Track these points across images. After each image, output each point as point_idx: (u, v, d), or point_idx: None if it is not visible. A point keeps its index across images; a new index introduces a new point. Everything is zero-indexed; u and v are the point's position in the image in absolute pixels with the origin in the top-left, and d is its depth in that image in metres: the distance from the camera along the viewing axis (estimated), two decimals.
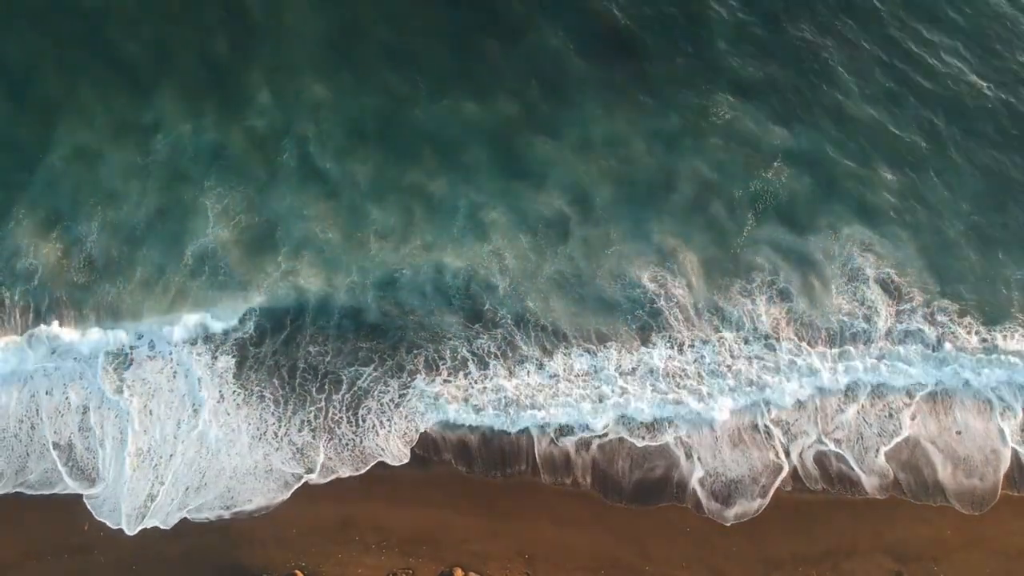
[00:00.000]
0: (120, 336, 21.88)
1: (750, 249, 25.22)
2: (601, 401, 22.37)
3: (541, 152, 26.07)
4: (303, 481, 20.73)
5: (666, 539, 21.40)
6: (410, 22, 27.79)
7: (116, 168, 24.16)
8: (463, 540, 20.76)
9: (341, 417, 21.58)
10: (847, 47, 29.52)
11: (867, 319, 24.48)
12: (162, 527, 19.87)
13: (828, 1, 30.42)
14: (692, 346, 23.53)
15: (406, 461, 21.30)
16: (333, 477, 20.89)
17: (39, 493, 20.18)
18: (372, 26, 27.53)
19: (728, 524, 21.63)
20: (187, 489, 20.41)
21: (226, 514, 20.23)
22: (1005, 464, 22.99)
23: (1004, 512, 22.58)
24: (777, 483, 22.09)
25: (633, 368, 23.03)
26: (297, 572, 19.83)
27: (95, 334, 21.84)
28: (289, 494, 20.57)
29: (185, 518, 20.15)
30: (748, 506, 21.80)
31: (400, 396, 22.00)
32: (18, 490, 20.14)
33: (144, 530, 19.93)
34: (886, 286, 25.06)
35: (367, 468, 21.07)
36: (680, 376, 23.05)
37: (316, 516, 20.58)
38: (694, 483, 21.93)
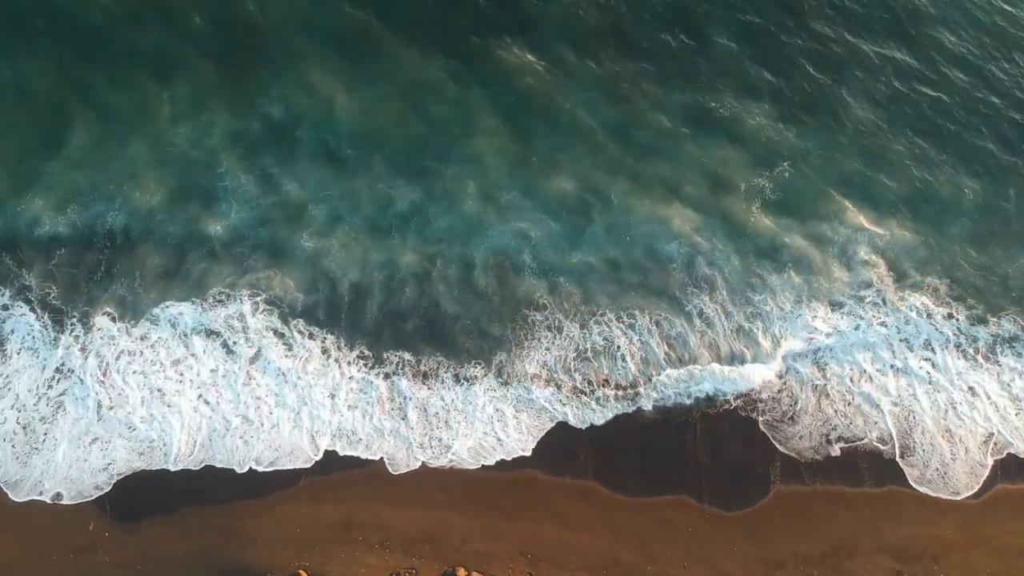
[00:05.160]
0: None
1: None
2: None
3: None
4: None
5: (668, 538, 21.44)
6: None
7: None
8: (465, 540, 20.80)
9: None
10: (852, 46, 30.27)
11: None
12: None
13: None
14: None
15: None
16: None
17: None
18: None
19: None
20: None
21: None
22: None
23: (1004, 512, 22.74)
24: None
25: None
26: (301, 571, 19.80)
27: None
28: None
29: (187, 515, 20.30)
30: None
31: None
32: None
33: (147, 530, 19.99)
34: None
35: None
36: None
37: (319, 516, 20.63)
38: None
